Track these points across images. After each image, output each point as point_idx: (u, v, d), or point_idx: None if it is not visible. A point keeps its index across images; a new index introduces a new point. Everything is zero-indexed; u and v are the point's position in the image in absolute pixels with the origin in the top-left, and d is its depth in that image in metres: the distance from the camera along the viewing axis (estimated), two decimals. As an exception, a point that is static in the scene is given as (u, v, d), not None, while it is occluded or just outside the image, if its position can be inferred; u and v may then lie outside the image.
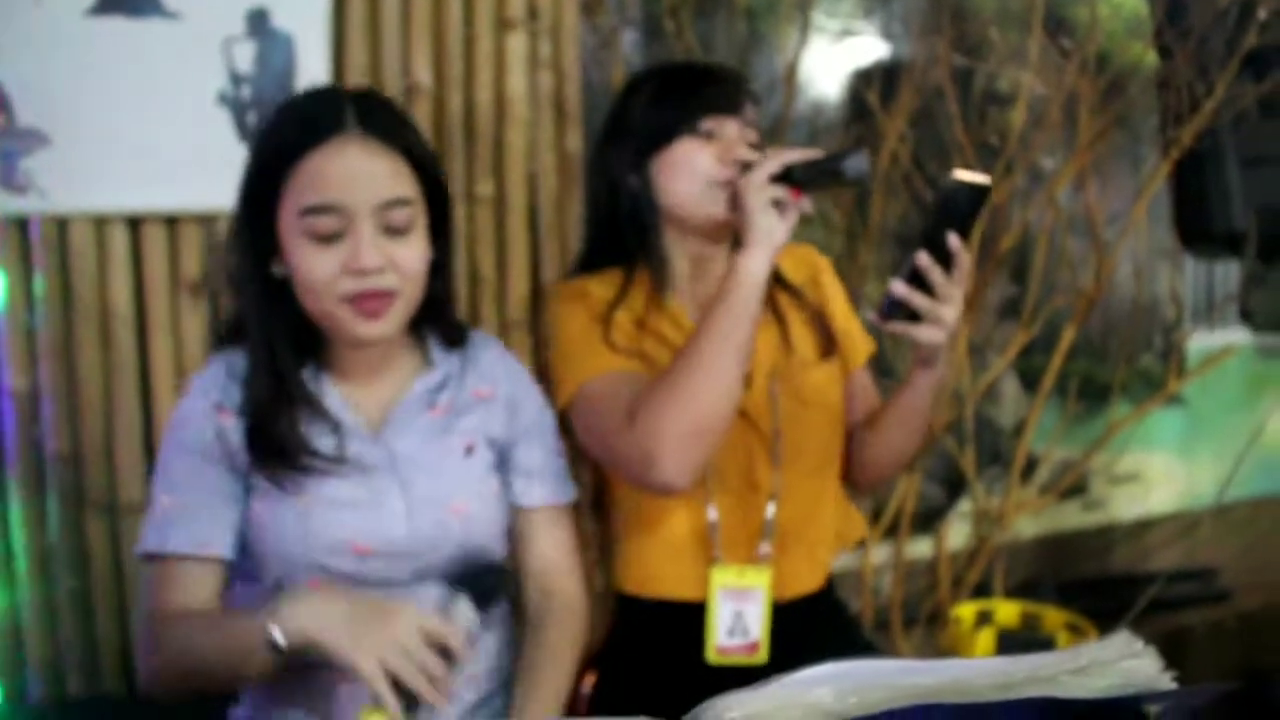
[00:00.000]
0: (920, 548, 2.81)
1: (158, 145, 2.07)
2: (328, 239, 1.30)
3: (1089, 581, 3.15)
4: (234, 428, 1.37)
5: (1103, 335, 3.16)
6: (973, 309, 2.70)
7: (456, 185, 2.31)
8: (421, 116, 2.29)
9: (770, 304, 1.61)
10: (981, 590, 2.65)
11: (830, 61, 2.79)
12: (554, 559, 1.53)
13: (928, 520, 2.87)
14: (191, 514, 1.36)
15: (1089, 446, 2.80)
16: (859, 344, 1.74)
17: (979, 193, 1.35)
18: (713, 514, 1.58)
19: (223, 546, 1.37)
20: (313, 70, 2.17)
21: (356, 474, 1.38)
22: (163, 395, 2.12)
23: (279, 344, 1.37)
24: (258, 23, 2.13)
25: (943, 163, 2.61)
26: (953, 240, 1.36)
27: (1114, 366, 2.88)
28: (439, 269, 1.42)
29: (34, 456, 2.08)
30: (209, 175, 2.07)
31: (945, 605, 2.55)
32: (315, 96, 1.41)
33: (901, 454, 1.68)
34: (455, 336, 1.49)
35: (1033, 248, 2.75)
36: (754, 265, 1.43)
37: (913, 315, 1.40)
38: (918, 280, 1.38)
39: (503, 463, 1.50)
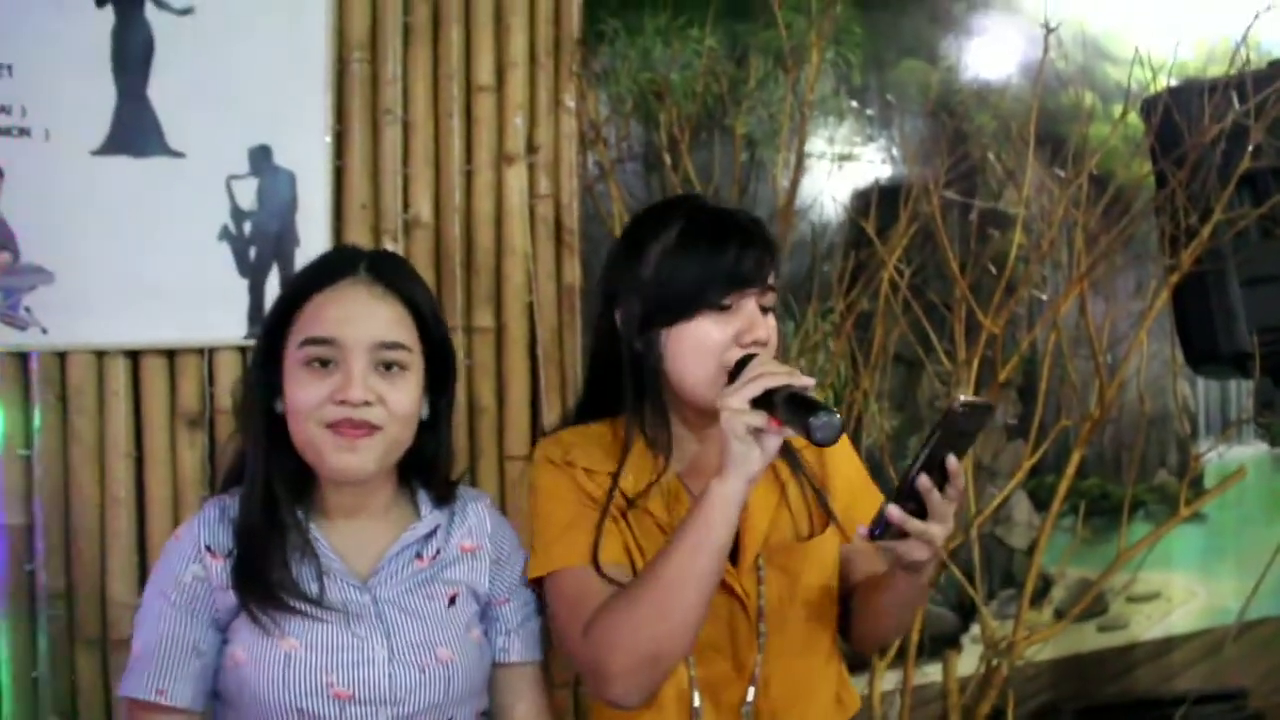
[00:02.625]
0: (932, 673, 2.70)
1: (159, 280, 2.08)
2: (322, 369, 1.34)
3: (1111, 705, 3.02)
4: (218, 571, 1.37)
5: (1116, 451, 3.07)
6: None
7: (456, 317, 2.31)
8: (421, 250, 2.29)
9: (771, 472, 1.52)
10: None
11: (829, 186, 2.77)
12: (530, 716, 1.52)
13: (940, 645, 2.77)
14: (154, 662, 1.36)
15: (1105, 566, 2.69)
16: (870, 508, 1.54)
17: (981, 414, 1.29)
18: (697, 700, 1.47)
19: (179, 697, 1.35)
20: (314, 205, 2.18)
21: (340, 618, 1.37)
22: (157, 529, 2.08)
23: (275, 480, 1.38)
24: (260, 160, 2.15)
25: (944, 285, 2.57)
26: (951, 462, 1.30)
27: (1128, 484, 2.78)
28: (435, 425, 1.44)
29: (26, 590, 2.04)
30: (209, 309, 2.11)
31: (955, 737, 2.44)
32: (338, 249, 1.51)
33: (900, 628, 1.59)
34: (445, 494, 1.50)
35: (1040, 367, 2.68)
36: (727, 492, 1.34)
37: (903, 533, 1.32)
38: (912, 497, 1.31)
39: (484, 616, 1.50)
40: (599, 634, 1.36)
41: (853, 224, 2.67)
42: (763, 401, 1.32)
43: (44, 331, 2.02)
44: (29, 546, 2.04)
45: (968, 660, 2.72)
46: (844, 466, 1.61)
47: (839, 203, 2.73)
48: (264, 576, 1.35)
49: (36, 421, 2.05)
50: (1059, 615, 2.83)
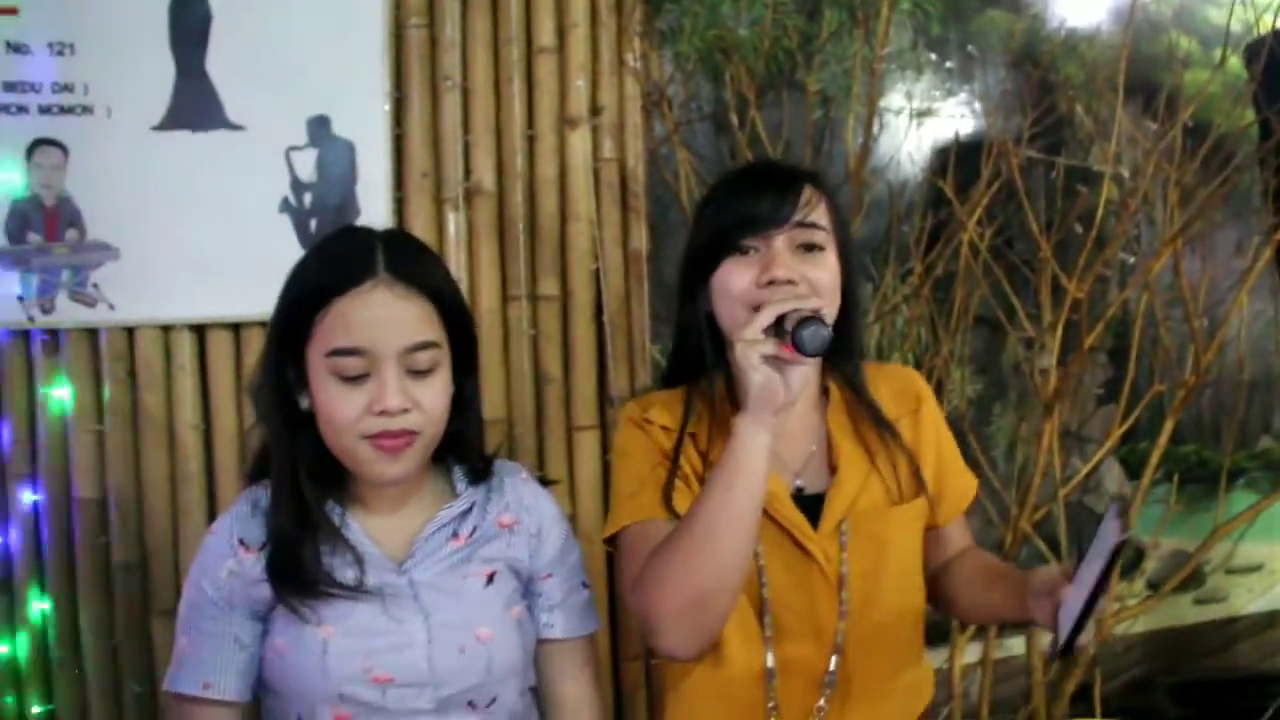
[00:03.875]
0: (1016, 646, 2.61)
1: (222, 255, 2.09)
2: (353, 380, 1.31)
3: (1209, 682, 2.90)
4: (252, 563, 1.36)
5: (1215, 417, 2.93)
6: (1071, 394, 2.54)
7: (520, 286, 2.29)
8: (484, 218, 2.27)
9: (858, 438, 1.51)
10: (1083, 696, 2.44)
11: (909, 143, 2.66)
12: (575, 693, 1.50)
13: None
14: (197, 657, 1.37)
15: (1202, 536, 2.57)
16: (957, 485, 1.58)
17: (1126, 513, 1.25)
18: (770, 661, 1.45)
19: (226, 690, 1.36)
20: (374, 175, 2.17)
21: (377, 603, 1.36)
22: (227, 500, 2.09)
23: (302, 475, 1.36)
24: (319, 130, 2.14)
25: (1029, 246, 2.45)
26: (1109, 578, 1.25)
27: (1227, 451, 2.64)
28: (463, 405, 1.42)
29: (101, 562, 2.09)
30: (272, 282, 2.02)
31: (1039, 716, 2.35)
32: (347, 240, 1.40)
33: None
34: (480, 470, 1.47)
35: (1132, 329, 2.56)
36: (748, 429, 1.34)
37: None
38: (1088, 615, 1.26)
39: (528, 592, 1.48)
40: (646, 582, 1.35)
41: (932, 183, 2.57)
42: (778, 331, 1.33)
43: (111, 308, 2.06)
44: (103, 520, 2.09)
45: (1055, 633, 2.61)
46: (937, 430, 1.58)
47: (916, 161, 2.62)
48: (299, 569, 1.34)
49: (106, 396, 2.08)
50: (1152, 588, 2.71)
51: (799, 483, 1.49)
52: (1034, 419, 2.44)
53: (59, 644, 2.07)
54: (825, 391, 1.54)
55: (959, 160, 2.52)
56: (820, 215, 1.46)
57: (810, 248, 1.44)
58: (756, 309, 1.38)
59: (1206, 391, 2.84)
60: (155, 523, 2.10)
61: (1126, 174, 2.43)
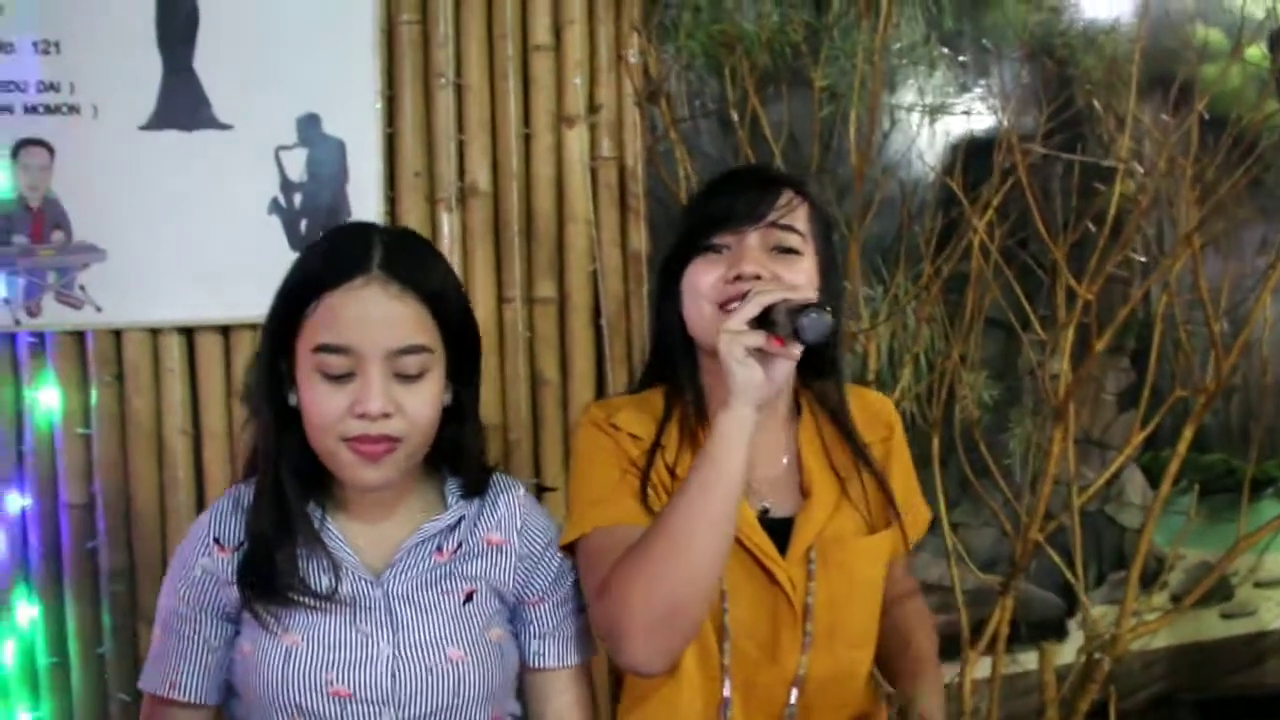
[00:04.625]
0: (1030, 661, 2.56)
1: (211, 256, 2.07)
2: (338, 379, 1.27)
3: (1236, 699, 2.81)
4: (225, 564, 1.34)
5: (1244, 423, 2.84)
6: (1089, 399, 2.47)
7: (516, 288, 2.26)
8: (479, 218, 2.24)
9: (828, 461, 1.46)
10: (1100, 713, 2.36)
11: (921, 140, 2.61)
12: (562, 714, 1.45)
13: (1044, 632, 2.62)
14: (166, 656, 1.36)
15: (1228, 547, 2.48)
16: (918, 516, 1.57)
17: None
18: (727, 690, 1.40)
19: (191, 692, 1.35)
20: (365, 175, 2.14)
21: (347, 613, 1.33)
22: (215, 506, 2.08)
23: (286, 473, 1.33)
24: (309, 129, 2.12)
25: (1045, 246, 2.38)
26: None
27: (1251, 459, 2.54)
28: (460, 414, 1.38)
29: (89, 569, 2.07)
30: (261, 284, 1.97)
31: (1051, 735, 2.28)
32: (348, 233, 1.37)
33: None
34: (475, 484, 1.42)
35: (1152, 332, 2.47)
36: (730, 425, 1.28)
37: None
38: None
39: (514, 617, 1.44)
40: (613, 591, 1.29)
41: (945, 182, 2.48)
42: (764, 323, 1.27)
43: (98, 310, 2.04)
44: (90, 525, 2.07)
45: (1074, 647, 2.55)
46: (903, 459, 1.55)
47: (924, 159, 2.56)
48: (269, 573, 1.31)
49: (94, 400, 2.06)
50: (1175, 601, 2.62)
51: (765, 504, 1.44)
52: (1048, 425, 2.36)
53: (46, 651, 2.06)
54: (797, 409, 1.49)
55: (973, 157, 2.44)
56: (799, 219, 1.42)
57: (786, 250, 1.40)
58: (724, 306, 1.36)
59: (1234, 397, 2.76)
60: (143, 528, 2.08)
61: (1141, 170, 2.33)
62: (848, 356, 2.33)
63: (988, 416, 2.59)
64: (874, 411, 1.54)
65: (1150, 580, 2.56)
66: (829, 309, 1.23)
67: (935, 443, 2.33)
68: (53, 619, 2.06)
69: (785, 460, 1.46)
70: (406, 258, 1.32)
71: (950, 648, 2.26)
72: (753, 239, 1.40)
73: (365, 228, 1.37)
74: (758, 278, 1.36)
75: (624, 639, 1.28)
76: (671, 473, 1.42)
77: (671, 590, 1.26)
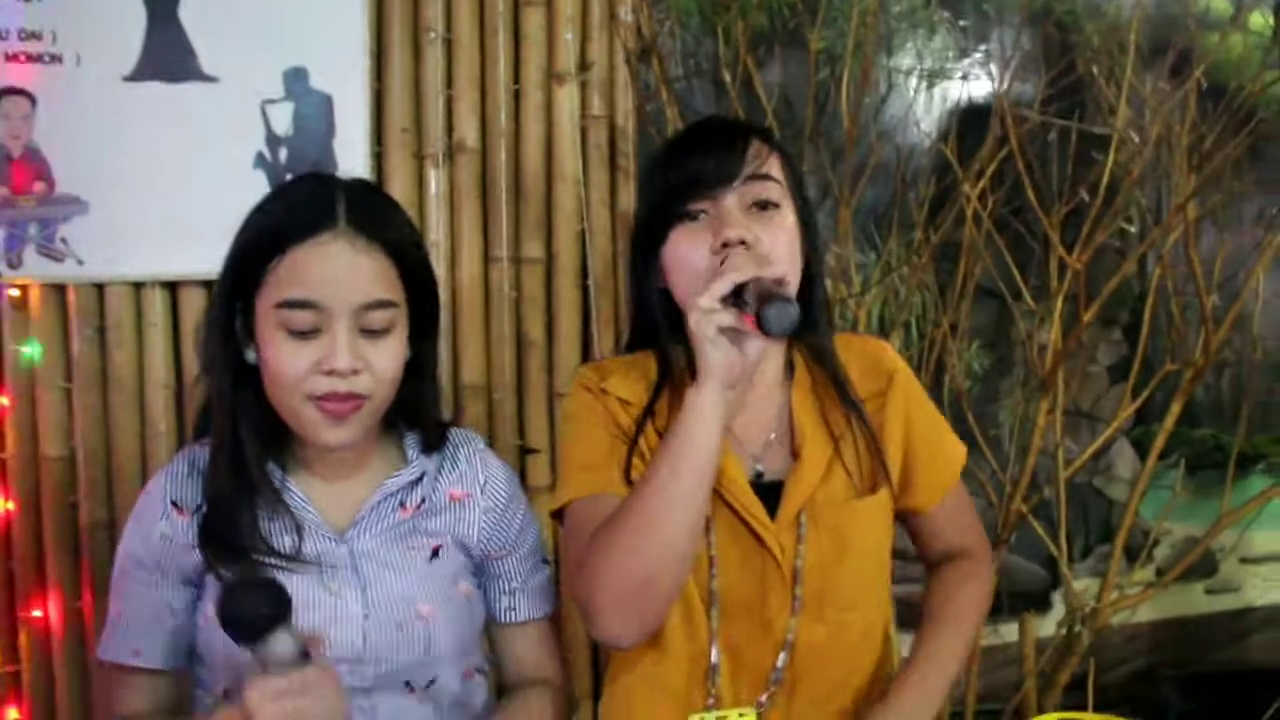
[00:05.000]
0: (1011, 633, 2.60)
1: (194, 210, 2.07)
2: (302, 335, 1.27)
3: (1219, 675, 2.86)
4: (185, 527, 1.34)
5: (1236, 398, 2.87)
6: (1079, 371, 2.50)
7: (503, 248, 2.28)
8: (467, 176, 2.26)
9: (823, 421, 1.45)
10: (1079, 686, 2.42)
11: (919, 105, 2.62)
12: (534, 661, 1.50)
13: (1027, 603, 2.65)
14: (128, 623, 1.37)
15: (1214, 522, 2.53)
16: (939, 458, 1.51)
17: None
18: (715, 656, 1.40)
19: (156, 658, 1.36)
20: (352, 130, 2.16)
21: (313, 574, 1.33)
22: (196, 463, 2.11)
23: (244, 432, 1.33)
24: (295, 83, 2.13)
25: (1038, 215, 2.41)
26: None
27: (1239, 435, 2.59)
28: (419, 369, 1.39)
29: (70, 523, 2.11)
30: None
31: (1030, 707, 2.33)
32: (309, 186, 1.36)
33: None
34: (434, 439, 1.43)
35: (1144, 305, 2.52)
36: (701, 402, 1.28)
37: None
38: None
39: (479, 570, 1.46)
40: (587, 565, 1.30)
41: (941, 148, 2.51)
42: (737, 300, 1.26)
43: (80, 263, 2.06)
44: (71, 479, 2.10)
45: (1056, 620, 2.58)
46: (904, 413, 1.49)
47: (921, 125, 2.58)
48: (231, 533, 1.32)
49: (75, 354, 2.09)
50: (1160, 575, 2.68)
51: (758, 467, 1.44)
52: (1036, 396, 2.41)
53: (24, 605, 2.10)
54: (791, 368, 1.48)
55: (969, 124, 2.46)
56: (773, 169, 1.40)
57: (765, 205, 1.38)
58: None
59: (1225, 372, 2.79)
60: (124, 483, 2.11)
61: (1137, 139, 2.36)
62: (840, 324, 2.36)
63: (977, 387, 2.62)
64: (871, 362, 1.50)
65: (1136, 555, 2.60)
66: (793, 301, 1.23)
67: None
68: (30, 575, 2.09)
69: (777, 421, 1.46)
70: (372, 210, 1.32)
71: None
72: (730, 200, 1.37)
73: (326, 180, 1.35)
74: (743, 243, 1.34)
75: (597, 612, 1.29)
76: (661, 436, 1.39)
77: (640, 566, 1.27)
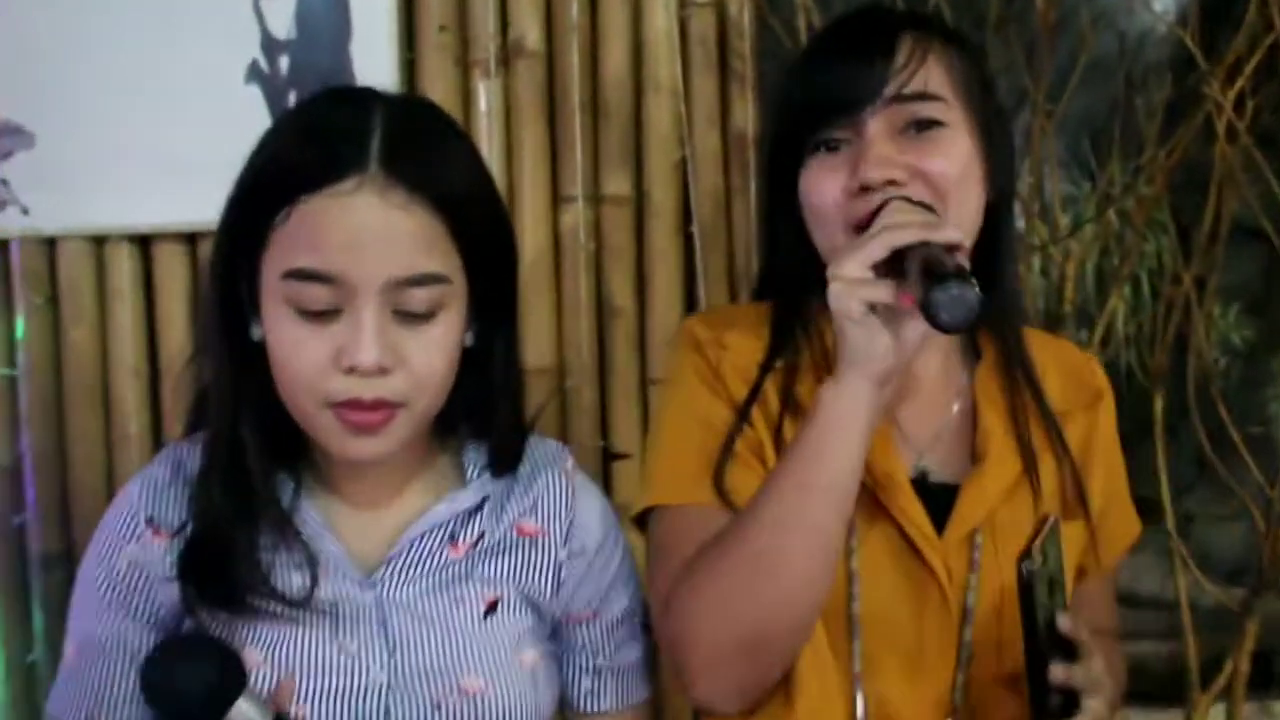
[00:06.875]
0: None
1: (171, 141, 2.00)
2: (317, 315, 1.19)
3: None
4: (162, 553, 1.27)
5: None
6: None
7: (576, 184, 2.13)
8: (527, 88, 2.12)
9: (1013, 421, 1.40)
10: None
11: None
12: None
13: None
14: (82, 676, 1.29)
15: None
16: (1121, 523, 1.48)
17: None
18: (860, 707, 1.33)
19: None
20: (374, 30, 2.06)
21: (325, 626, 1.26)
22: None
23: (247, 434, 1.25)
24: (299, -30, 2.05)
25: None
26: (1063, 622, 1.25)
27: None
28: (488, 364, 1.31)
29: (16, 551, 2.06)
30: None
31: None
32: (333, 106, 1.28)
33: None
34: (506, 456, 1.35)
35: None
36: (841, 399, 1.22)
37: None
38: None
39: (555, 636, 1.39)
40: (682, 603, 1.26)
41: (1179, 38, 2.31)
42: (894, 269, 1.19)
43: (25, 212, 2.02)
44: (17, 495, 2.06)
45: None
46: (1109, 447, 1.48)
47: (1151, 6, 2.46)
48: (221, 567, 1.24)
49: (20, 331, 2.05)
50: None
51: (923, 464, 1.38)
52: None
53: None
54: (975, 346, 1.44)
55: (1220, 2, 2.26)
56: (933, 77, 1.33)
57: (923, 125, 1.32)
58: (859, 229, 1.27)
59: None
60: (84, 500, 2.03)
61: None
62: (1039, 280, 2.31)
63: (1237, 366, 2.47)
64: (1075, 371, 1.48)
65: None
66: (971, 281, 1.12)
67: (1158, 403, 2.24)
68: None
69: (956, 409, 1.41)
70: (416, 146, 1.22)
71: (1171, 690, 2.21)
72: (873, 127, 1.31)
73: (360, 97, 1.26)
74: (891, 182, 1.28)
75: (689, 671, 1.26)
76: (777, 438, 1.36)
77: (752, 616, 1.23)
